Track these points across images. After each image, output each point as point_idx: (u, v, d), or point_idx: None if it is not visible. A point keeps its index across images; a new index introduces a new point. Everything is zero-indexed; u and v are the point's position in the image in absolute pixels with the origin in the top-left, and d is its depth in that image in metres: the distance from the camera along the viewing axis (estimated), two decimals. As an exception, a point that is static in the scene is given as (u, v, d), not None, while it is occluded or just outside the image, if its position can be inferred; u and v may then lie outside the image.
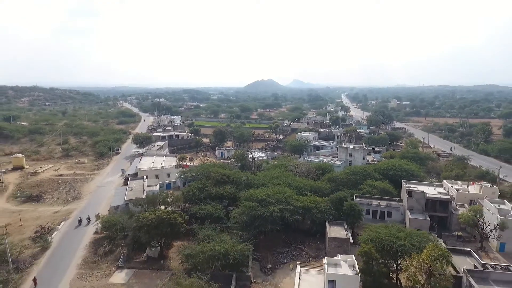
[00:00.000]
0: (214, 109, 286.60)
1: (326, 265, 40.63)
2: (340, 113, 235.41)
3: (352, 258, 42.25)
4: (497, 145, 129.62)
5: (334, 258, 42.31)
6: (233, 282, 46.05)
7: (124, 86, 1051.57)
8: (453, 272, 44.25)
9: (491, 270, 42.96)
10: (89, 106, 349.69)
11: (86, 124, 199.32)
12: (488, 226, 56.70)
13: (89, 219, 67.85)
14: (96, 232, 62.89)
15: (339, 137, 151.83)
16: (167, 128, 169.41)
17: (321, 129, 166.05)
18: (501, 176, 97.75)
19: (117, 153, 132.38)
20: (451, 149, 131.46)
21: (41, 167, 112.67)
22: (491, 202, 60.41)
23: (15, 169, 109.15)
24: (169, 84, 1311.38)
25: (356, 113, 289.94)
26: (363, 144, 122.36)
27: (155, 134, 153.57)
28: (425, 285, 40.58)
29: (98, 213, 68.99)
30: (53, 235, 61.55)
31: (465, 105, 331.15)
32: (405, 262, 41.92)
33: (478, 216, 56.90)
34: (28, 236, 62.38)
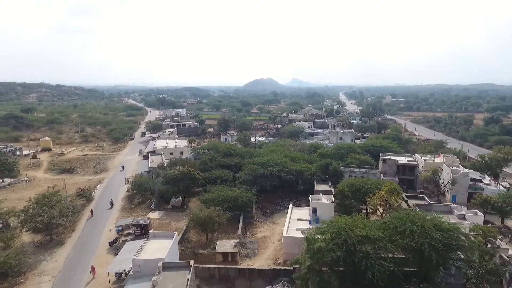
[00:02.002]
0: (216, 104, 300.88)
1: (311, 199, 55.00)
2: (335, 107, 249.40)
3: (330, 195, 56.64)
4: (473, 132, 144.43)
5: (317, 195, 56.65)
6: (241, 217, 60.49)
7: (124, 85, 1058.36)
8: (406, 206, 58.76)
9: (433, 204, 57.47)
10: (95, 102, 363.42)
11: (98, 116, 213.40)
12: (443, 183, 71.20)
13: (123, 167, 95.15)
14: (127, 191, 77.21)
15: (332, 126, 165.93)
16: (174, 118, 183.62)
17: (316, 120, 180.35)
18: (472, 156, 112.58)
19: (132, 139, 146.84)
20: (415, 129, 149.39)
21: (66, 149, 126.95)
22: (448, 167, 74.85)
23: (43, 150, 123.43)
24: (168, 83, 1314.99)
25: (352, 107, 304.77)
26: (352, 129, 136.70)
27: (164, 123, 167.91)
28: (383, 213, 55.12)
29: (127, 178, 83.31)
30: (94, 192, 75.84)
31: (456, 101, 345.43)
32: (370, 198, 56.19)
33: (434, 175, 71.29)
34: (72, 194, 76.57)
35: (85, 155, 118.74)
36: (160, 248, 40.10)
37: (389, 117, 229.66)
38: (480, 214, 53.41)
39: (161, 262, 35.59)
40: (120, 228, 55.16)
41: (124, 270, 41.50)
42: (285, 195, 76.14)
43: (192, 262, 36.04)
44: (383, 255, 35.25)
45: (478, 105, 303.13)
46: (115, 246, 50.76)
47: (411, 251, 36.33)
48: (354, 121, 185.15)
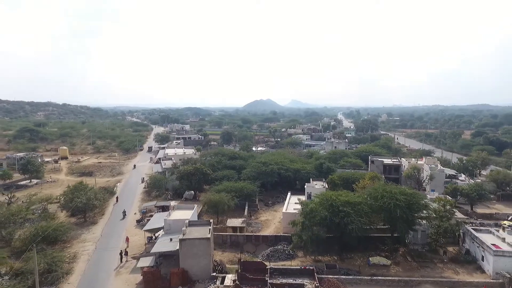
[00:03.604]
0: (217, 121, 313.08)
1: (306, 186, 65.02)
2: (332, 123, 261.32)
3: (323, 183, 66.65)
4: (459, 143, 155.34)
5: (312, 183, 66.68)
6: (246, 205, 70.24)
7: (125, 106, 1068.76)
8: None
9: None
10: (100, 120, 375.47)
11: (106, 130, 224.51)
12: (424, 180, 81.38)
13: (135, 166, 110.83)
14: (144, 187, 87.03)
15: (328, 138, 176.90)
16: (180, 132, 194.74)
17: (314, 133, 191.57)
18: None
19: (141, 149, 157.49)
20: (397, 138, 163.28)
21: (81, 157, 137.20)
22: (428, 166, 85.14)
23: (61, 158, 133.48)
24: (169, 104, 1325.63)
25: (348, 124, 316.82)
26: (346, 140, 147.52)
27: (171, 135, 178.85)
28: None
29: (143, 178, 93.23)
30: (115, 188, 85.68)
31: (450, 119, 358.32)
32: (356, 186, 66.20)
33: (415, 171, 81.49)
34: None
35: (100, 162, 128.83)
36: (184, 215, 49.99)
37: (383, 132, 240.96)
38: (449, 198, 63.22)
39: (187, 220, 45.43)
40: (144, 210, 64.86)
41: (154, 234, 51.15)
42: (284, 191, 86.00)
43: (211, 220, 45.86)
44: (360, 214, 45.23)
45: (470, 123, 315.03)
46: (141, 224, 60.24)
47: (383, 211, 46.26)
48: (349, 134, 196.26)
